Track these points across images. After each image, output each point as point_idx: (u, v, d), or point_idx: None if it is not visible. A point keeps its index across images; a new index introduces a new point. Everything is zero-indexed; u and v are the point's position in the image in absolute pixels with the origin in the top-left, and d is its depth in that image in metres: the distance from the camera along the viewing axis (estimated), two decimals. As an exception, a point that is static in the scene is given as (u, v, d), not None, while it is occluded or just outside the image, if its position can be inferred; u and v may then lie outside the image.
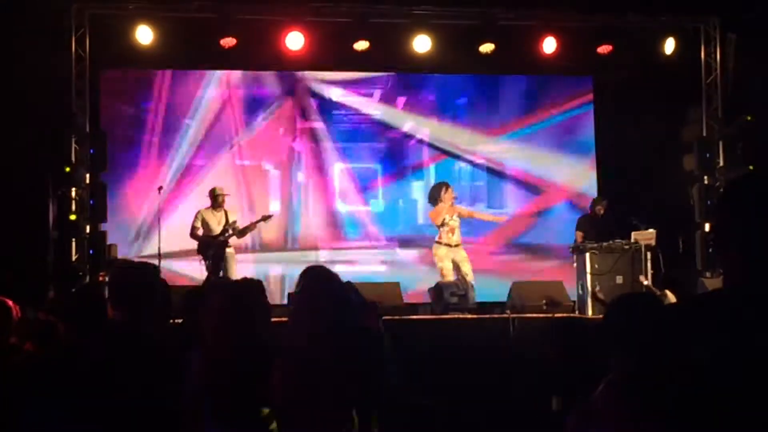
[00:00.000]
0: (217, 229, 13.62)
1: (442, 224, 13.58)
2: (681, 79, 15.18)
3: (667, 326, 2.82)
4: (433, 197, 13.85)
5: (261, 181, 15.76)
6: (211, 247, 13.51)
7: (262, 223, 13.95)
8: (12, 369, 5.15)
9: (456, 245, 13.63)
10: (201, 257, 13.60)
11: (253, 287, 4.62)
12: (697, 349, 2.49)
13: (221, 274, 13.49)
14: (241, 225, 13.73)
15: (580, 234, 14.19)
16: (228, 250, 13.65)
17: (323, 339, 4.51)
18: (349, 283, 10.30)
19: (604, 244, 13.27)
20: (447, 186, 13.85)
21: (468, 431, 9.37)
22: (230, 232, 13.59)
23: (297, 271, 4.96)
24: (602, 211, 14.18)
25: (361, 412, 4.75)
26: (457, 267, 13.55)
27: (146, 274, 4.65)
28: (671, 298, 12.37)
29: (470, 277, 13.41)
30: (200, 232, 13.69)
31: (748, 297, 2.57)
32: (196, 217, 13.82)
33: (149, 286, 4.55)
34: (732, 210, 2.63)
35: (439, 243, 13.66)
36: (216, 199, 13.82)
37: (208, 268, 13.42)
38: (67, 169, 13.80)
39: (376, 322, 6.58)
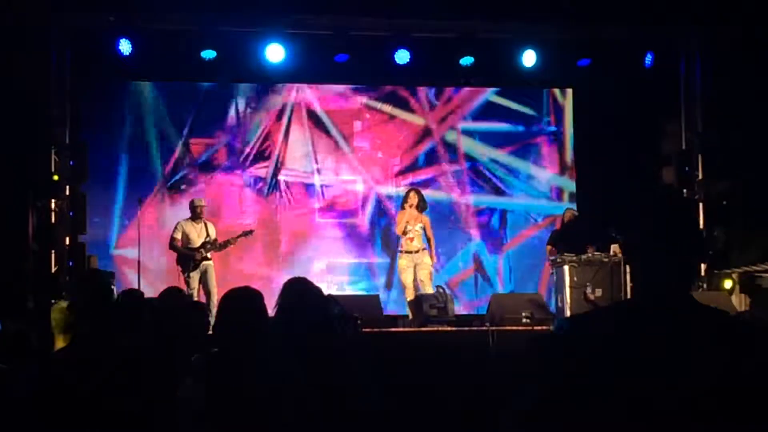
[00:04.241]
0: (197, 240, 13.67)
1: (404, 232, 13.56)
2: (660, 91, 15.25)
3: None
4: (402, 203, 13.84)
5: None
6: (190, 259, 13.56)
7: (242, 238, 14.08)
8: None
9: (417, 251, 13.54)
10: (180, 269, 13.65)
11: (244, 297, 4.60)
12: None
13: (197, 285, 13.56)
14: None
15: (549, 248, 14.28)
16: (207, 262, 13.68)
17: (295, 362, 4.45)
18: (330, 296, 10.35)
19: (583, 256, 13.29)
20: (409, 192, 13.85)
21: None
22: (209, 246, 13.65)
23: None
24: (565, 220, 14.26)
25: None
26: (414, 273, 13.52)
27: (98, 283, 4.66)
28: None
29: (425, 285, 13.38)
30: (180, 243, 13.73)
31: (634, 308, 2.82)
32: (176, 228, 13.88)
33: (104, 295, 4.55)
34: (630, 226, 2.83)
35: (401, 252, 13.62)
36: (195, 211, 13.87)
37: (186, 280, 13.48)
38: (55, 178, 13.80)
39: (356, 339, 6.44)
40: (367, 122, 16.18)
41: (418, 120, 16.26)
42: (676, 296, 2.77)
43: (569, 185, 16.40)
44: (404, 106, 16.24)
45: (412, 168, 16.18)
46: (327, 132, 16.01)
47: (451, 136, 16.32)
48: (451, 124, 16.33)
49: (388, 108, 16.16)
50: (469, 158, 16.29)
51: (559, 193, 16.38)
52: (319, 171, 15.94)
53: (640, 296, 2.82)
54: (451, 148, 16.31)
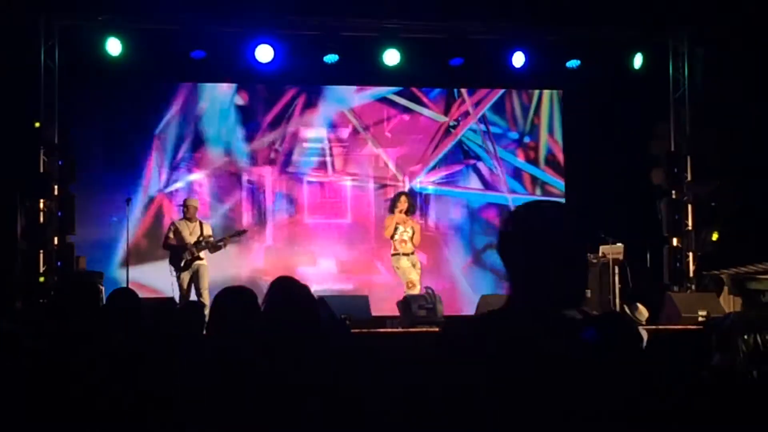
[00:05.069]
0: (190, 239, 13.64)
1: (392, 236, 13.55)
2: (649, 93, 15.28)
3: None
4: (391, 207, 13.84)
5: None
6: (182, 257, 13.53)
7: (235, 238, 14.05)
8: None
9: (412, 252, 13.55)
10: (172, 267, 13.63)
11: (238, 296, 4.61)
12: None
13: (188, 286, 13.55)
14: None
15: None
16: (200, 262, 13.65)
17: (284, 362, 4.45)
18: (321, 298, 10.34)
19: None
20: (399, 196, 13.86)
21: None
22: (202, 245, 13.62)
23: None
24: None
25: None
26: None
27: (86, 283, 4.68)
28: (643, 311, 12.44)
29: (416, 289, 13.39)
30: (174, 242, 13.70)
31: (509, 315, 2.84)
32: (169, 227, 13.93)
33: (92, 296, 4.56)
34: (506, 237, 2.83)
35: (398, 254, 13.50)
36: (188, 211, 13.85)
37: (177, 281, 13.48)
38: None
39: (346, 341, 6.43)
40: (378, 119, 16.14)
41: (435, 117, 16.26)
42: (568, 304, 2.76)
43: (558, 186, 16.40)
44: (418, 103, 16.26)
45: (428, 167, 16.17)
46: (335, 130, 16.00)
47: (464, 135, 16.33)
48: (462, 123, 16.33)
49: (404, 102, 16.13)
50: (474, 157, 16.31)
51: (548, 193, 16.37)
52: (324, 169, 15.88)
53: (528, 304, 2.80)
54: (460, 146, 16.32)
